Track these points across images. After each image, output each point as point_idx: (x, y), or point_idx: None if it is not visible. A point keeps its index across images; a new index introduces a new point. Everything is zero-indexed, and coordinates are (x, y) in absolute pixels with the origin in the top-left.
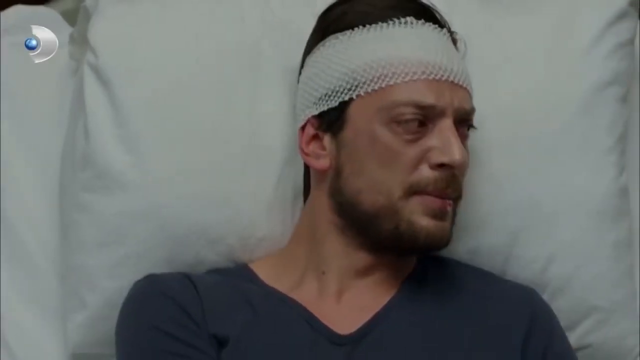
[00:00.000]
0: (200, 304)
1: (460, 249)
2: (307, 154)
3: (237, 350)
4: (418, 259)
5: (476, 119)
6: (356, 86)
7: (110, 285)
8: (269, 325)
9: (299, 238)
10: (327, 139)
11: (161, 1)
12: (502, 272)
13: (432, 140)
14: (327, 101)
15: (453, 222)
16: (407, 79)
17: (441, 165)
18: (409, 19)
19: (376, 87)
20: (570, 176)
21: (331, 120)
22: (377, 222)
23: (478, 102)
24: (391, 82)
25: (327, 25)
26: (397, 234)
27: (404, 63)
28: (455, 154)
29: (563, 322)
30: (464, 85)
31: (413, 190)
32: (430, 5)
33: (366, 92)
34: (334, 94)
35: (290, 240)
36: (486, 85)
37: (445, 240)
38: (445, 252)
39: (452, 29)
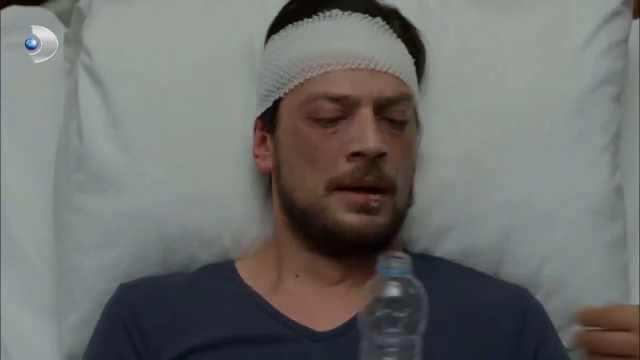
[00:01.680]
0: (158, 325)
1: (453, 249)
2: (256, 156)
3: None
4: None
5: (470, 117)
6: (283, 84)
7: (104, 286)
8: (237, 329)
9: (273, 239)
10: (269, 140)
11: (155, 2)
12: (496, 272)
13: (350, 131)
14: (265, 102)
15: (397, 216)
16: (321, 71)
17: (357, 155)
18: (334, 11)
19: (297, 83)
20: (564, 175)
21: (269, 121)
22: (308, 220)
23: (472, 101)
24: (308, 76)
25: (270, 28)
26: (326, 232)
27: (320, 56)
28: (368, 141)
29: (557, 322)
30: (390, 72)
31: (333, 186)
32: None
33: (290, 90)
34: (269, 93)
35: (270, 241)
36: (480, 83)
37: (375, 234)
38: (437, 252)
39: (448, 27)
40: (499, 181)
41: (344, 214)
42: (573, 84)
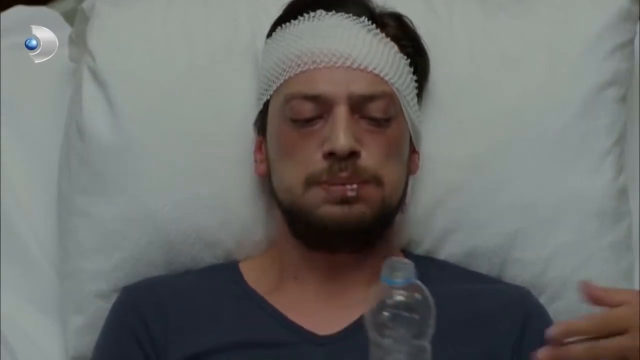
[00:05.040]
0: (164, 329)
1: (457, 251)
2: (255, 161)
3: None
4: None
5: (475, 120)
6: (269, 86)
7: (108, 289)
8: (241, 333)
9: (275, 241)
10: (264, 144)
11: (157, 4)
12: (500, 274)
13: (326, 130)
14: (259, 106)
15: (385, 210)
16: (298, 70)
17: (331, 154)
18: (318, 12)
19: (279, 84)
20: (569, 178)
21: (261, 124)
22: (294, 219)
23: (477, 103)
24: (287, 76)
25: (267, 33)
26: (310, 228)
27: (298, 55)
28: (338, 140)
29: None
30: (369, 69)
31: (310, 182)
32: None
33: (274, 91)
34: (261, 96)
35: (274, 243)
36: (485, 86)
37: (357, 223)
38: (441, 254)
39: (454, 30)
40: (504, 183)
41: (324, 207)
42: (578, 86)
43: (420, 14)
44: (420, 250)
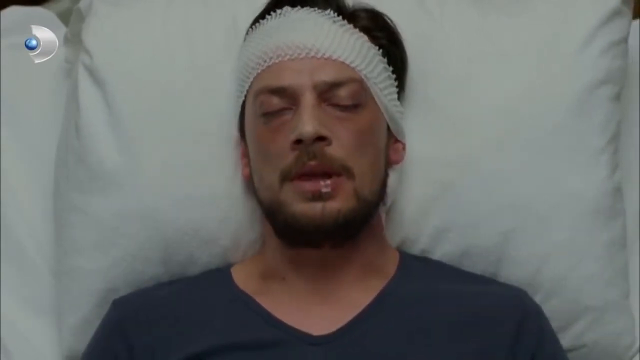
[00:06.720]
0: (151, 344)
1: (452, 250)
2: (242, 165)
3: None
4: (402, 259)
5: (469, 118)
6: (243, 87)
7: (104, 286)
8: (233, 335)
9: (263, 242)
10: (247, 147)
11: (154, 3)
12: (495, 273)
13: (294, 120)
14: (237, 109)
15: (361, 203)
16: (265, 65)
17: (298, 142)
18: (284, 9)
19: (249, 84)
20: (563, 176)
21: (241, 129)
22: (274, 217)
23: (471, 102)
24: (255, 74)
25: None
26: (288, 227)
27: (265, 52)
28: (302, 126)
29: (557, 323)
30: (334, 57)
31: (283, 178)
32: None
33: (247, 91)
34: (237, 100)
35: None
36: (478, 84)
37: (333, 220)
38: (436, 253)
39: (446, 28)
40: (498, 182)
41: (298, 204)
42: (572, 84)
43: (413, 14)
44: (415, 250)
